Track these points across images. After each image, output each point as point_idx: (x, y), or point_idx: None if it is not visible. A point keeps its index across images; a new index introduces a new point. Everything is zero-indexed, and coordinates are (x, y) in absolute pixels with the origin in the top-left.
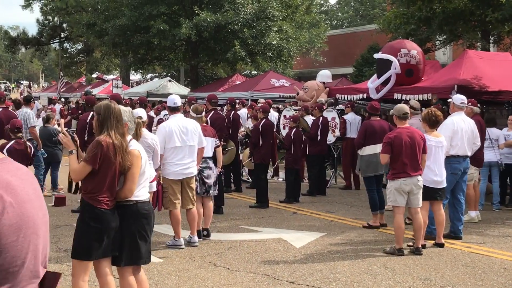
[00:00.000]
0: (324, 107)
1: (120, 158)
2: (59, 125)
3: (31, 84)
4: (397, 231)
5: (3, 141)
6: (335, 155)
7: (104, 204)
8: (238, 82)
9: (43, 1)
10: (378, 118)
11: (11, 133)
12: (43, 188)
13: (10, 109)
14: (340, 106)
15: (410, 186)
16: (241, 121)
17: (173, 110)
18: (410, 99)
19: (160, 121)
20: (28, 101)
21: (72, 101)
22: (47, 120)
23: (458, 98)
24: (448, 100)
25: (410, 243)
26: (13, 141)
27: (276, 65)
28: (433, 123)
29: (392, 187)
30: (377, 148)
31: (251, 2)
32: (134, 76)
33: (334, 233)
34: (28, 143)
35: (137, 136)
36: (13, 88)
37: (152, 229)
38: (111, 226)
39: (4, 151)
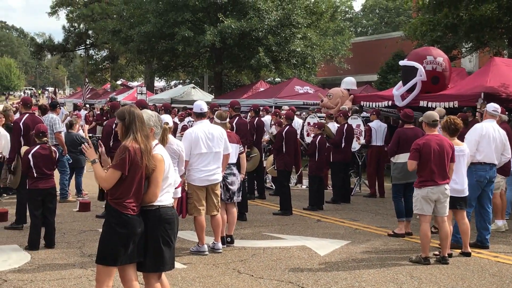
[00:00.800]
0: (349, 114)
1: (146, 162)
2: (83, 131)
3: (57, 90)
4: (423, 239)
5: (26, 147)
6: (360, 163)
7: (130, 210)
8: (262, 89)
9: (69, 8)
10: (412, 126)
11: (36, 137)
12: (68, 193)
13: (36, 114)
14: (365, 114)
15: (437, 195)
16: (265, 128)
17: (199, 116)
18: (436, 107)
19: (184, 128)
20: (54, 106)
21: (97, 107)
22: (70, 126)
23: (491, 106)
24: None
25: (436, 252)
26: (38, 146)
27: (300, 72)
28: (452, 131)
29: (419, 195)
30: None
31: (275, 9)
32: (158, 83)
33: (359, 241)
34: (53, 148)
35: (163, 141)
36: (39, 94)
37: (176, 235)
38: (137, 232)
39: (29, 155)
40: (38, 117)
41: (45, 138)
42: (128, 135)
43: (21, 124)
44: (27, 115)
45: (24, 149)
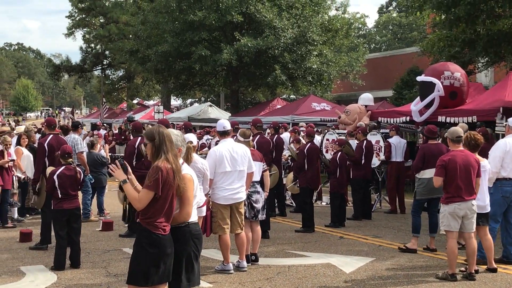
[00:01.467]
0: (367, 131)
1: (178, 182)
2: (105, 150)
3: (74, 111)
4: (450, 256)
5: (51, 168)
6: (380, 179)
7: (161, 230)
8: (278, 106)
9: (85, 29)
10: (436, 142)
11: (62, 158)
12: (90, 213)
13: (60, 135)
14: (384, 130)
15: (464, 211)
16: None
17: (223, 134)
18: (454, 122)
19: (203, 146)
20: (75, 127)
21: (114, 127)
22: (91, 145)
23: None
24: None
25: (463, 268)
26: (63, 167)
27: (316, 89)
28: (473, 147)
29: (446, 212)
30: None
31: (291, 27)
32: (175, 102)
33: (384, 258)
34: (78, 169)
35: (188, 160)
36: (56, 114)
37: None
38: (168, 252)
39: (55, 176)
40: (62, 137)
41: (70, 159)
42: (159, 155)
43: (45, 145)
44: (51, 136)
45: (49, 169)
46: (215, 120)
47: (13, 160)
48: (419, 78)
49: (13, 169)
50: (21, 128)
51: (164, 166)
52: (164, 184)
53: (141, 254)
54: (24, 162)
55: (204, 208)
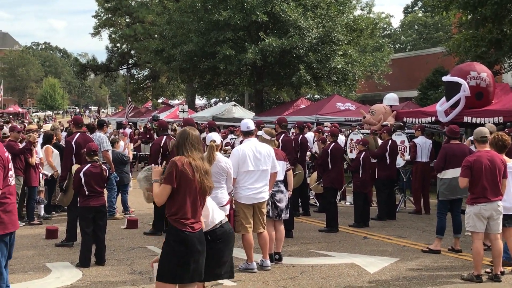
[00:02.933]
0: (392, 131)
1: (199, 178)
2: (127, 148)
3: (100, 109)
4: (476, 257)
5: (77, 166)
6: (405, 179)
7: (188, 227)
8: (303, 106)
9: (111, 29)
10: (458, 142)
11: (87, 156)
12: (115, 210)
13: (86, 133)
14: (409, 130)
15: (490, 212)
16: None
17: (247, 134)
18: (480, 122)
19: (227, 145)
20: (101, 125)
21: (140, 126)
22: (112, 144)
23: None
24: None
25: (488, 270)
26: (89, 165)
27: (340, 89)
28: (500, 147)
29: (471, 212)
30: (458, 172)
31: (316, 27)
32: (199, 101)
33: (408, 258)
34: (103, 166)
35: (210, 159)
36: (82, 114)
37: None
38: (197, 250)
39: (81, 174)
40: (89, 136)
41: (96, 157)
42: (178, 153)
43: (73, 143)
44: (78, 134)
45: (75, 167)
46: (239, 120)
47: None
48: (444, 78)
49: (39, 166)
50: (47, 127)
51: (179, 160)
52: (180, 177)
53: (168, 252)
54: (56, 160)
55: (227, 207)
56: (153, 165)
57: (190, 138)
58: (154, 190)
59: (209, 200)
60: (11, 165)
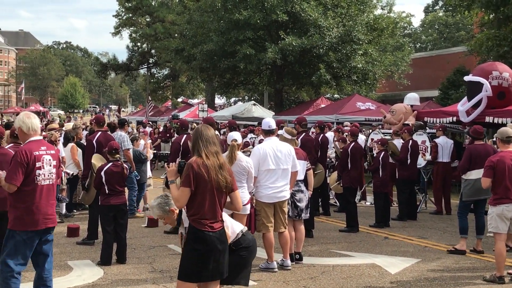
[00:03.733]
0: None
1: (215, 176)
2: (146, 147)
3: (121, 108)
4: (499, 258)
5: (96, 156)
6: (425, 179)
7: (207, 227)
8: (323, 105)
9: (132, 28)
10: (482, 142)
11: (109, 155)
12: (136, 209)
13: (108, 132)
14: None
15: None
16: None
17: (268, 133)
18: (502, 122)
19: (246, 144)
20: (122, 124)
21: (159, 125)
22: (131, 141)
23: None
24: None
25: (510, 271)
26: (110, 163)
27: (361, 88)
28: None
29: (494, 213)
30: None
31: (336, 26)
32: (219, 100)
33: (430, 259)
34: (124, 165)
35: (231, 158)
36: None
37: None
38: (217, 249)
39: (102, 173)
40: (110, 135)
41: (118, 155)
42: (193, 152)
43: (94, 141)
44: (99, 133)
45: (95, 160)
46: (259, 119)
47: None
48: (466, 78)
49: (61, 165)
50: (69, 125)
51: (195, 162)
52: (197, 179)
53: (188, 251)
54: (80, 158)
55: (248, 206)
56: (166, 165)
57: (202, 136)
58: (172, 191)
59: (225, 215)
60: (48, 164)
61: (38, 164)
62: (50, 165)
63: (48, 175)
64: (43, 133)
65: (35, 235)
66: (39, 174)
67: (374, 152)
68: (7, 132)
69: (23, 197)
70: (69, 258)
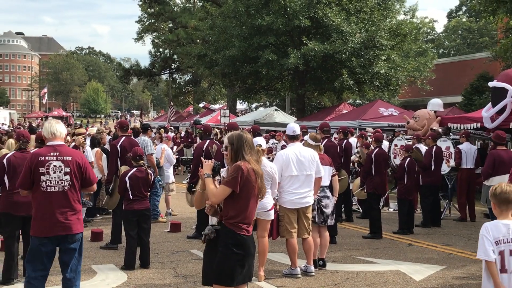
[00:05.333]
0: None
1: (260, 183)
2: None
3: (143, 114)
4: None
5: (125, 167)
6: (449, 186)
7: (245, 231)
8: (345, 111)
9: (154, 34)
10: (505, 148)
11: (133, 160)
12: (158, 214)
13: (132, 137)
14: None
15: None
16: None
17: (292, 138)
18: None
19: (269, 150)
20: (145, 129)
21: (181, 130)
22: None
23: None
24: None
25: None
26: (134, 169)
27: (383, 94)
28: None
29: None
30: (505, 179)
31: (359, 32)
32: (240, 106)
33: (455, 266)
34: (149, 170)
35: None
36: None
37: None
38: (252, 252)
39: (126, 178)
40: (134, 139)
41: (142, 161)
42: (237, 159)
43: (118, 146)
44: (124, 137)
45: (123, 168)
46: (281, 125)
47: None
48: (491, 84)
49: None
50: (93, 130)
51: (244, 166)
52: (244, 184)
53: (227, 255)
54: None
55: (272, 211)
56: (202, 159)
57: (247, 142)
58: (208, 185)
59: None
60: (57, 170)
61: (41, 170)
62: (60, 172)
63: (58, 182)
64: (68, 138)
65: (48, 242)
66: (44, 180)
67: (399, 158)
68: (33, 136)
69: (34, 203)
70: (93, 262)
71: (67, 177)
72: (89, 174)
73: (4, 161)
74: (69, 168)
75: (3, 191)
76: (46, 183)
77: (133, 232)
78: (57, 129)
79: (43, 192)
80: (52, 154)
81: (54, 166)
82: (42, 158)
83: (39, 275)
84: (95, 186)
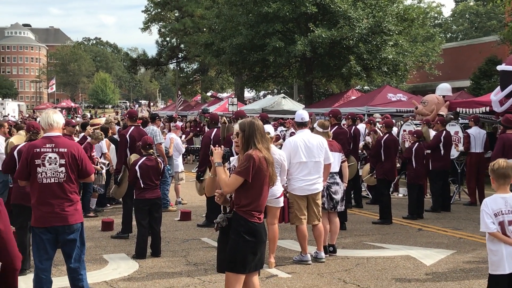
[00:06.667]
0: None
1: (271, 172)
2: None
3: (151, 103)
4: None
5: (135, 155)
6: (459, 170)
7: (256, 218)
8: (353, 97)
9: (161, 24)
10: None
11: (143, 149)
12: (168, 202)
13: (140, 127)
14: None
15: None
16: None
17: (300, 125)
18: None
19: (277, 137)
20: (154, 119)
21: (190, 119)
22: None
23: None
24: None
25: None
26: (144, 158)
27: (391, 79)
28: None
29: None
30: None
31: (366, 17)
32: (248, 94)
33: (465, 250)
34: (158, 159)
35: None
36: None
37: None
38: (264, 240)
39: (136, 167)
40: (143, 129)
41: (152, 150)
42: (249, 146)
43: (127, 136)
44: (132, 127)
45: (133, 157)
46: (289, 112)
47: (104, 154)
48: (499, 67)
49: (96, 158)
50: (102, 120)
51: (256, 155)
52: (256, 173)
53: (239, 242)
54: (112, 154)
55: (281, 198)
56: (212, 146)
57: (258, 130)
58: (219, 174)
59: None
60: (52, 162)
61: (37, 162)
62: (56, 164)
63: (53, 174)
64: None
65: (45, 231)
66: (39, 172)
67: (407, 144)
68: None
69: (32, 194)
70: (104, 251)
71: (62, 168)
72: (85, 165)
73: (15, 152)
74: (64, 160)
75: (14, 182)
76: (42, 174)
77: (144, 221)
78: (54, 119)
79: (39, 184)
80: (48, 145)
81: (50, 158)
82: (38, 149)
83: (46, 267)
84: (93, 176)
